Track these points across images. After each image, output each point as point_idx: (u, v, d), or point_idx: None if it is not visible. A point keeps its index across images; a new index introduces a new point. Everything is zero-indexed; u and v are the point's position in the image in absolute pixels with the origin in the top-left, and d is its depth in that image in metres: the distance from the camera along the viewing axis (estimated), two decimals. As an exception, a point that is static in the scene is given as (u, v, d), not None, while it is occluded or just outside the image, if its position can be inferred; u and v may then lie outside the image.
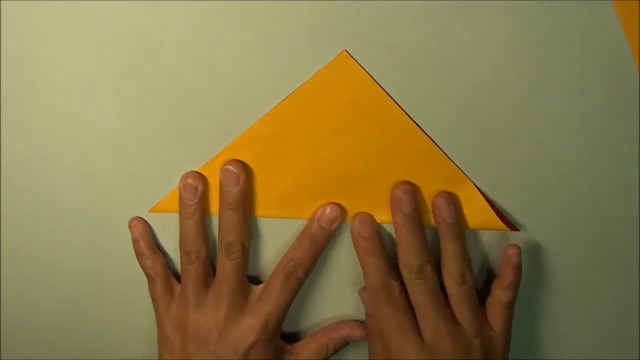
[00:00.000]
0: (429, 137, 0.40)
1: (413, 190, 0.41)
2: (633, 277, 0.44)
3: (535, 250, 0.44)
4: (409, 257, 0.41)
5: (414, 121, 0.40)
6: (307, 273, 0.42)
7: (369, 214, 0.42)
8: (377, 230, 0.42)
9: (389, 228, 0.43)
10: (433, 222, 0.42)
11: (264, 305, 0.42)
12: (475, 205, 0.42)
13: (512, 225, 0.43)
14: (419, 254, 0.41)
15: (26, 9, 0.38)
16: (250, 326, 0.42)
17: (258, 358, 0.42)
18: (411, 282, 0.41)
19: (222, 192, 0.41)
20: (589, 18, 0.37)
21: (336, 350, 0.45)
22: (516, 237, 0.43)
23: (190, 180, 0.41)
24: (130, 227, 0.43)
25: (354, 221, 0.41)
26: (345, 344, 0.45)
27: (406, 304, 0.41)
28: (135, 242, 0.43)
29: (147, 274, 0.43)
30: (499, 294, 0.42)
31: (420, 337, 0.41)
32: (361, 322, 0.45)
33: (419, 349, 0.41)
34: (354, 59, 0.38)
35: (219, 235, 0.41)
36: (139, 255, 0.43)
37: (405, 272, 0.41)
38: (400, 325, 0.41)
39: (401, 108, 0.39)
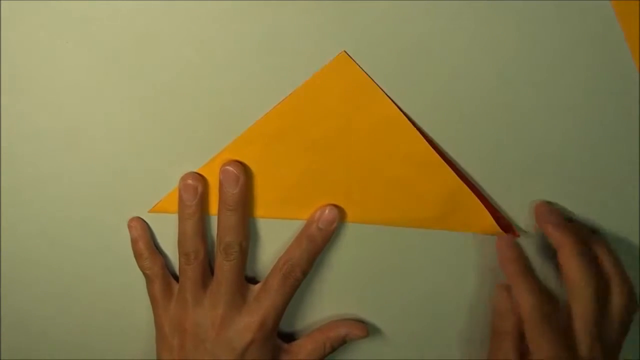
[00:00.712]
0: (427, 138, 0.40)
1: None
2: (633, 278, 0.44)
3: (537, 254, 0.44)
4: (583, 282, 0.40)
5: (413, 122, 0.40)
6: (305, 273, 0.42)
7: (512, 236, 0.42)
8: (523, 252, 0.42)
9: (387, 229, 0.43)
10: (433, 225, 0.42)
11: (261, 305, 0.42)
12: (470, 208, 0.41)
13: (513, 230, 0.43)
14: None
15: (26, 9, 0.38)
16: (247, 325, 0.42)
17: (255, 357, 0.42)
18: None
19: (221, 193, 0.41)
20: (588, 18, 0.37)
21: (333, 349, 0.45)
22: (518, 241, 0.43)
23: (190, 181, 0.41)
24: (129, 227, 0.43)
25: (500, 245, 0.42)
26: (342, 342, 0.45)
27: (559, 320, 0.41)
28: (134, 242, 0.43)
29: (145, 274, 0.43)
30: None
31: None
32: (359, 321, 0.45)
33: None
34: (353, 60, 0.38)
35: (217, 236, 0.41)
36: (137, 255, 0.43)
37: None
38: (557, 343, 0.40)
39: (400, 109, 0.39)
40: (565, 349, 0.40)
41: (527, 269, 0.41)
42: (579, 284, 0.40)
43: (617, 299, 0.41)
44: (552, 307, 0.41)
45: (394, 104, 0.39)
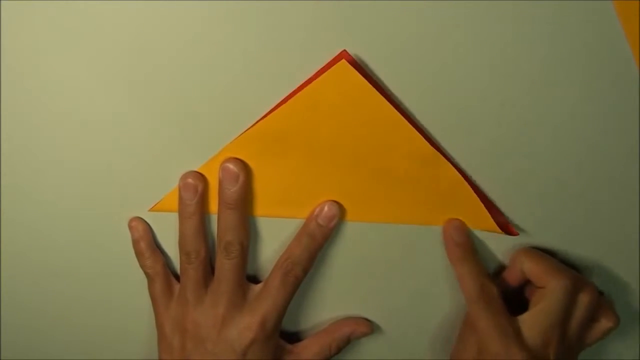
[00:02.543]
0: (427, 137, 0.40)
1: None
2: (633, 279, 0.44)
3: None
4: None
5: (413, 120, 0.40)
6: (305, 272, 0.42)
7: (461, 221, 0.42)
8: (470, 237, 0.42)
9: (388, 227, 0.43)
10: (433, 222, 0.42)
11: (262, 304, 0.42)
12: (472, 208, 0.42)
13: (512, 230, 0.43)
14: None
15: (26, 9, 0.38)
16: (248, 325, 0.42)
17: (257, 357, 0.42)
18: None
19: (220, 191, 0.41)
20: (589, 18, 0.37)
21: (339, 350, 0.45)
22: (516, 241, 0.43)
23: (190, 180, 0.41)
24: (130, 227, 0.43)
25: (447, 228, 0.42)
26: (347, 342, 0.45)
27: (504, 306, 0.42)
28: (135, 242, 0.43)
29: (146, 273, 0.43)
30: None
31: (523, 340, 0.41)
32: (364, 318, 0.45)
33: (524, 352, 0.41)
34: (353, 67, 0.38)
35: (217, 235, 0.41)
36: (139, 255, 0.43)
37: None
38: (502, 328, 0.41)
39: (400, 109, 0.39)
40: (509, 323, 0.41)
41: (472, 253, 0.42)
42: (555, 275, 0.41)
43: (584, 297, 0.42)
44: (495, 290, 0.42)
45: (393, 108, 0.39)
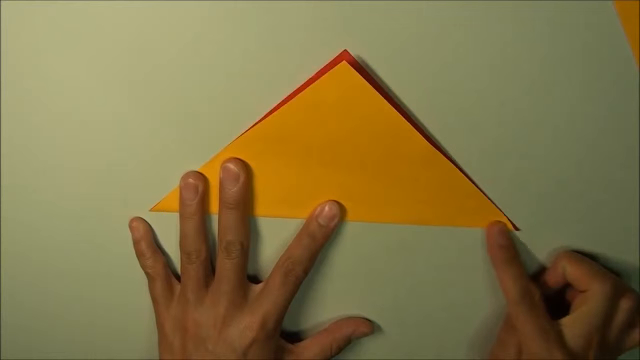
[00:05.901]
0: (427, 140, 0.40)
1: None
2: (633, 279, 0.45)
3: (534, 251, 0.44)
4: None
5: (414, 122, 0.40)
6: (306, 272, 0.42)
7: (504, 223, 0.42)
8: (512, 240, 0.43)
9: (390, 227, 0.43)
10: (433, 222, 0.42)
11: (262, 304, 0.42)
12: (477, 204, 0.42)
13: (513, 225, 0.43)
14: None
15: (26, 9, 0.38)
16: (248, 324, 0.42)
17: (257, 357, 0.42)
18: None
19: (221, 191, 0.41)
20: (589, 18, 0.37)
21: (340, 350, 0.45)
22: (516, 237, 0.43)
23: (191, 180, 0.41)
24: (131, 227, 0.43)
25: (491, 231, 0.42)
26: (348, 342, 0.45)
27: (546, 309, 0.42)
28: (136, 242, 0.43)
29: (147, 273, 0.43)
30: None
31: (564, 342, 0.42)
32: (364, 318, 0.45)
33: (565, 354, 0.41)
34: (354, 67, 0.38)
35: (218, 235, 0.41)
36: (139, 255, 0.43)
37: None
38: (543, 330, 0.42)
39: (400, 108, 0.39)
40: (550, 325, 0.42)
41: (515, 256, 0.43)
42: (597, 279, 0.42)
43: (625, 302, 0.42)
44: (537, 293, 0.42)
45: (393, 109, 0.39)
